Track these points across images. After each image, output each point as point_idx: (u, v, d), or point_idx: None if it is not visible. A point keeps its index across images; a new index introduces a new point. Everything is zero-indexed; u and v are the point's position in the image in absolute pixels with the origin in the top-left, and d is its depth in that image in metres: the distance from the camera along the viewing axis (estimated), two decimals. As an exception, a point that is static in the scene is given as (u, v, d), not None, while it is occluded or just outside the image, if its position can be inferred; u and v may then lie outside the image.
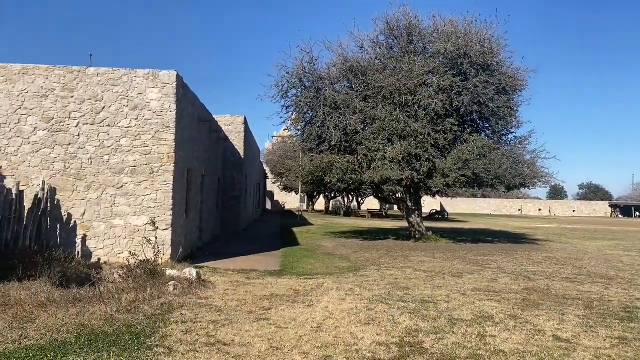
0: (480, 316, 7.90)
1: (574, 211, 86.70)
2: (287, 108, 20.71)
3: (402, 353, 5.97)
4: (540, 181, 20.51)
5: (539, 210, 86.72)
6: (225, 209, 23.94)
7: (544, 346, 6.34)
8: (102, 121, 12.74)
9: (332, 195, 54.59)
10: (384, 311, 8.08)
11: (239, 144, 25.13)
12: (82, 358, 5.44)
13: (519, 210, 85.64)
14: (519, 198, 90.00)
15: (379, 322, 7.36)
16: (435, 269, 13.26)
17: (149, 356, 5.60)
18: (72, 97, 12.76)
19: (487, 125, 21.15)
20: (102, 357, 5.49)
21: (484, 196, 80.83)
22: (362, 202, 59.56)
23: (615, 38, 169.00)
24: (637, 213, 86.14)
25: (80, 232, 12.55)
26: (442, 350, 6.09)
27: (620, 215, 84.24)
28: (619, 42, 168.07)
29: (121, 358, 5.49)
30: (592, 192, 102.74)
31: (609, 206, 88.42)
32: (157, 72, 12.91)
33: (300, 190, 45.98)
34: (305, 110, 20.51)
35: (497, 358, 5.83)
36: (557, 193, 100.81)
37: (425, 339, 6.58)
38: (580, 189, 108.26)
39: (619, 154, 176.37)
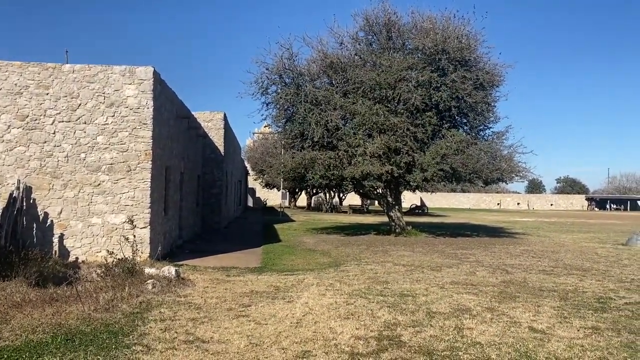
0: (457, 309, 7.99)
1: (551, 205, 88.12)
2: (267, 105, 20.74)
3: (381, 347, 6.02)
4: (517, 176, 20.81)
5: (518, 204, 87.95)
6: (205, 206, 23.81)
7: (520, 337, 6.45)
8: (78, 118, 12.56)
9: (314, 191, 54.64)
10: (363, 305, 8.13)
11: (218, 140, 24.98)
12: (57, 358, 5.38)
13: (498, 204, 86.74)
14: (497, 192, 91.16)
15: (358, 317, 7.41)
16: (415, 263, 13.38)
17: (126, 354, 5.57)
18: (47, 94, 12.55)
19: (465, 121, 21.38)
20: (78, 357, 5.44)
21: (463, 191, 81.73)
22: (343, 198, 59.76)
23: (590, 35, 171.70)
24: (612, 206, 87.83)
25: (57, 231, 12.38)
26: (420, 343, 6.15)
27: (596, 208, 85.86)
28: (594, 39, 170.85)
29: (98, 357, 5.44)
30: (569, 186, 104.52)
31: (586, 199, 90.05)
32: (134, 68, 12.77)
33: (282, 187, 45.90)
34: (285, 107, 20.49)
35: (473, 350, 5.92)
36: (535, 187, 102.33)
37: (403, 332, 6.64)
38: (557, 182, 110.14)
39: (596, 148, 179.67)
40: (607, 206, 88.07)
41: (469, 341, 6.25)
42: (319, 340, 6.23)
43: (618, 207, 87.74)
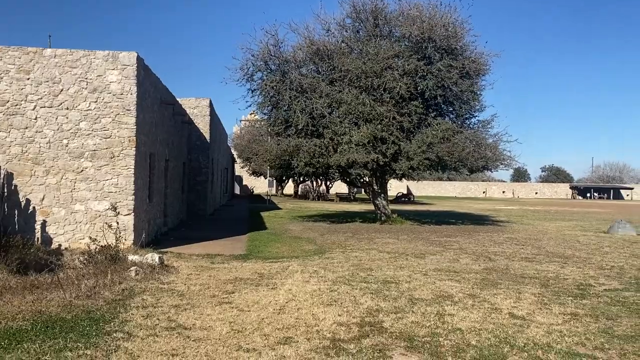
0: (439, 296, 8.07)
1: (536, 193, 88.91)
2: (252, 92, 20.56)
3: (362, 332, 6.06)
4: (502, 164, 20.93)
5: (503, 192, 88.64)
6: (191, 193, 23.69)
7: (500, 323, 6.53)
8: (61, 104, 12.38)
9: (301, 179, 54.58)
10: (347, 292, 8.17)
11: (204, 127, 24.80)
12: (37, 345, 5.34)
13: (484, 192, 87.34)
14: (483, 181, 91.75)
15: (341, 303, 7.45)
16: (399, 250, 13.46)
17: (107, 341, 5.54)
18: (28, 79, 12.35)
19: (451, 109, 21.43)
20: (58, 344, 5.40)
21: (449, 179, 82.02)
22: (330, 186, 59.76)
23: (573, 24, 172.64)
24: (595, 194, 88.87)
25: (39, 218, 12.25)
26: (401, 330, 6.20)
27: (579, 197, 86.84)
28: (577, 28, 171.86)
29: (78, 344, 5.41)
30: (554, 175, 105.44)
31: (570, 188, 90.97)
32: (117, 53, 12.59)
33: (268, 175, 45.76)
34: (271, 94, 20.36)
35: (454, 336, 5.98)
36: (520, 176, 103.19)
37: (385, 318, 6.69)
38: (542, 171, 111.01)
39: (580, 137, 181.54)
40: (589, 195, 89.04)
41: (450, 327, 6.32)
42: (301, 327, 6.26)
43: (601, 195, 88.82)
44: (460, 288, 8.69)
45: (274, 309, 7.06)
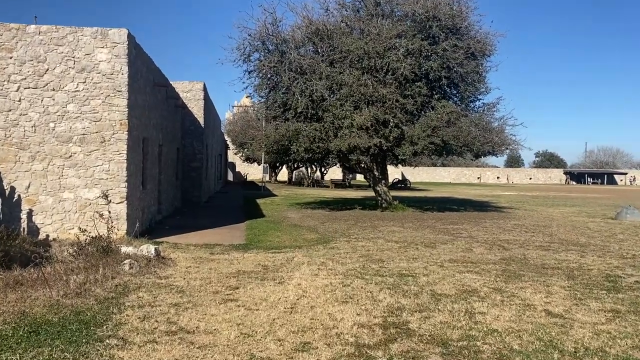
0: (463, 290, 7.40)
1: (530, 179, 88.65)
2: (249, 73, 19.69)
3: (388, 336, 5.38)
4: (508, 148, 20.29)
5: (497, 178, 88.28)
6: (185, 180, 22.89)
7: (539, 323, 5.87)
8: (46, 85, 11.54)
9: (295, 165, 53.77)
10: (361, 287, 7.49)
11: (198, 112, 23.93)
12: (17, 356, 4.60)
13: (478, 178, 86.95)
14: (477, 166, 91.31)
15: (358, 300, 6.77)
16: (407, 239, 12.81)
17: (98, 350, 4.82)
18: (10, 57, 11.48)
19: (455, 92, 20.65)
20: (42, 353, 4.67)
21: (443, 165, 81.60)
22: (325, 172, 59.06)
23: (563, 9, 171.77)
24: (590, 179, 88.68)
25: (25, 207, 11.46)
26: (431, 332, 5.52)
27: (572, 182, 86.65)
28: (567, 13, 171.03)
29: (66, 354, 4.68)
30: (547, 160, 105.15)
31: (564, 173, 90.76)
32: (106, 30, 11.73)
33: (263, 161, 44.85)
34: (269, 76, 19.51)
35: (492, 339, 5.31)
36: (514, 161, 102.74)
37: (410, 318, 6.01)
38: (536, 156, 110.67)
39: (574, 121, 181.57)
40: (583, 180, 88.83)
41: (485, 328, 5.64)
42: (318, 329, 5.56)
43: (595, 180, 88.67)
44: (483, 281, 8.03)
45: (285, 308, 6.36)
